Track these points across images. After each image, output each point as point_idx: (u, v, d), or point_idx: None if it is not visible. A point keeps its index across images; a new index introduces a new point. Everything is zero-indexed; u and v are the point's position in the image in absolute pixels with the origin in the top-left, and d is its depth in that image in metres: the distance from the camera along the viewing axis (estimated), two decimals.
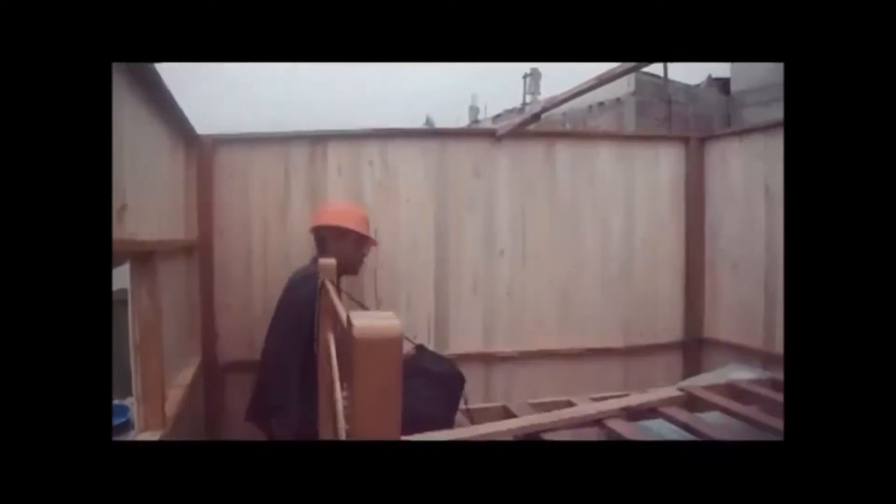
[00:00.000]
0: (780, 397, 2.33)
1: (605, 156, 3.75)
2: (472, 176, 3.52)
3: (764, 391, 2.41)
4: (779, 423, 1.99)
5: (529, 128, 3.54)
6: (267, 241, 3.27)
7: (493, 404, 2.58)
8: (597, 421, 2.16)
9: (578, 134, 4.45)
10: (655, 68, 8.06)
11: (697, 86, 8.78)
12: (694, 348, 3.90)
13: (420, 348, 2.82)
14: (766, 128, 3.57)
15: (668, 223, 3.87)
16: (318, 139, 3.35)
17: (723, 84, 8.83)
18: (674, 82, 8.08)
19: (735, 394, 2.43)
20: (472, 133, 3.54)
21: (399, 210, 3.42)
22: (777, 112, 3.83)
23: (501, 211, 3.56)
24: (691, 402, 2.34)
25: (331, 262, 2.00)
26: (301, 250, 3.17)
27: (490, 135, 3.57)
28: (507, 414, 2.45)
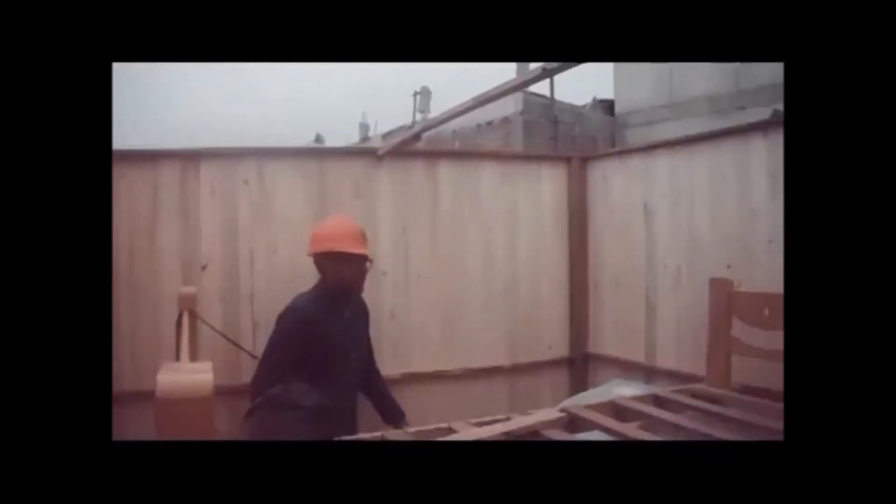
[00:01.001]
0: (661, 413, 2.35)
1: (488, 175, 3.74)
2: (353, 196, 3.41)
3: (645, 408, 2.41)
4: (656, 438, 2.00)
5: (413, 147, 3.49)
6: (133, 265, 3.04)
7: (371, 435, 2.46)
8: None
9: (461, 153, 4.45)
10: (542, 88, 8.20)
11: (583, 106, 9.01)
12: (580, 364, 3.94)
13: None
14: (646, 148, 3.70)
15: (551, 241, 3.90)
16: (190, 157, 3.15)
17: (607, 106, 9.10)
18: (560, 102, 8.25)
19: (616, 412, 2.42)
20: (352, 152, 3.46)
21: (277, 231, 3.27)
22: (657, 134, 4.00)
23: (383, 231, 3.48)
24: (573, 423, 2.31)
25: (190, 291, 1.86)
26: (172, 272, 3.00)
27: (371, 154, 3.49)
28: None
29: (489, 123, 8.36)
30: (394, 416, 3.13)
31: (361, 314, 3.10)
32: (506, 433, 2.17)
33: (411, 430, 2.28)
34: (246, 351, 3.06)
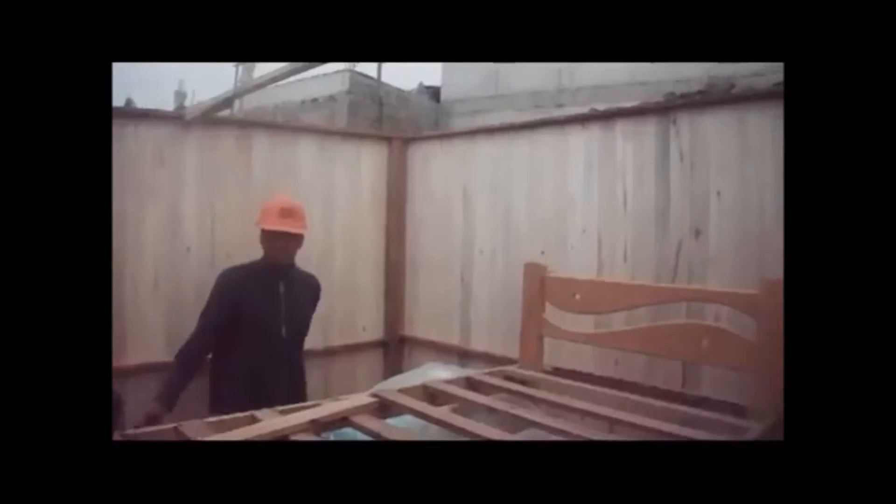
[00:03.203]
0: (474, 396, 2.34)
1: (305, 150, 3.60)
2: (155, 163, 3.11)
3: (458, 391, 2.40)
4: (467, 425, 1.96)
5: (224, 115, 3.25)
6: None
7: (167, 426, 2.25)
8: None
9: (277, 125, 4.22)
10: (370, 69, 8.09)
11: (410, 91, 8.99)
12: (395, 347, 3.90)
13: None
14: (467, 133, 3.74)
15: (368, 221, 3.85)
16: None
17: (434, 92, 9.14)
18: (387, 85, 8.17)
19: (429, 395, 2.39)
20: (155, 116, 3.13)
21: None
22: (480, 124, 4.07)
23: (188, 203, 3.21)
24: (384, 408, 2.24)
25: None
26: None
27: (177, 119, 3.20)
28: (178, 434, 2.15)
29: (314, 100, 8.12)
30: (297, 390, 3.06)
31: (303, 290, 3.10)
32: (314, 421, 2.06)
33: (205, 421, 2.09)
34: None
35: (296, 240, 2.98)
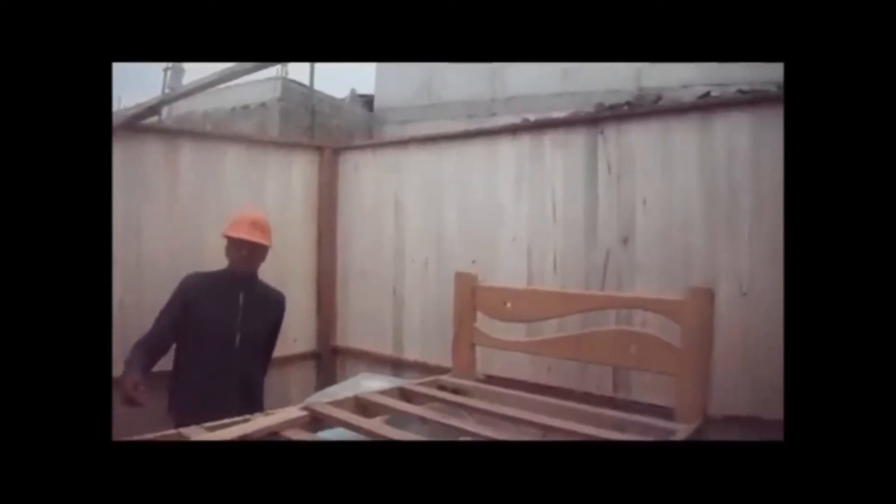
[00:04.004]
0: (406, 406, 2.33)
1: (234, 159, 3.53)
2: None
3: (390, 401, 2.38)
4: (400, 435, 1.95)
5: (151, 122, 3.16)
6: None
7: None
8: None
9: (205, 134, 4.13)
10: (302, 76, 7.99)
11: (342, 99, 8.92)
12: (327, 359, 3.86)
13: None
14: (398, 143, 3.73)
15: (299, 231, 3.81)
16: None
17: (367, 100, 9.10)
18: (319, 93, 8.09)
19: (360, 407, 2.36)
20: None
21: None
22: (413, 130, 4.07)
23: (114, 214, 3.08)
24: (315, 421, 2.21)
25: None
26: None
27: None
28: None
29: (245, 107, 7.98)
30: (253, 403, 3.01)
31: (263, 306, 3.07)
32: (243, 436, 2.01)
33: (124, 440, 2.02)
34: None
35: (259, 251, 2.97)
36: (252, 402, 2.98)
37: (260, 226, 2.97)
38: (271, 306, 3.14)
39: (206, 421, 2.05)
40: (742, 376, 2.41)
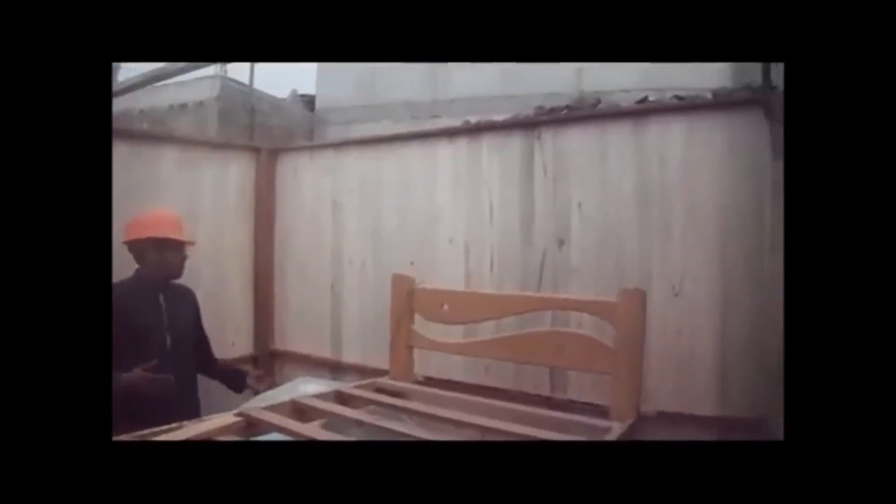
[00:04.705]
0: (343, 410, 2.30)
1: (168, 159, 3.43)
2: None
3: (327, 405, 2.36)
4: (336, 436, 1.95)
5: None
6: None
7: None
8: None
9: (137, 133, 4.01)
10: (241, 75, 7.86)
11: (283, 99, 8.80)
12: (265, 362, 3.80)
13: None
14: (337, 145, 3.73)
15: (236, 233, 3.75)
16: None
17: (308, 100, 9.00)
18: (259, 92, 7.96)
19: (297, 411, 2.34)
20: None
21: None
22: (355, 131, 4.04)
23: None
24: (250, 427, 2.18)
25: None
26: None
27: None
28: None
29: (183, 106, 7.80)
30: (235, 383, 3.15)
31: (181, 301, 3.02)
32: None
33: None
34: None
35: (184, 251, 2.94)
36: (190, 402, 2.95)
37: (182, 224, 2.93)
38: (188, 301, 3.09)
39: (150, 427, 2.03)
40: (675, 374, 2.47)
